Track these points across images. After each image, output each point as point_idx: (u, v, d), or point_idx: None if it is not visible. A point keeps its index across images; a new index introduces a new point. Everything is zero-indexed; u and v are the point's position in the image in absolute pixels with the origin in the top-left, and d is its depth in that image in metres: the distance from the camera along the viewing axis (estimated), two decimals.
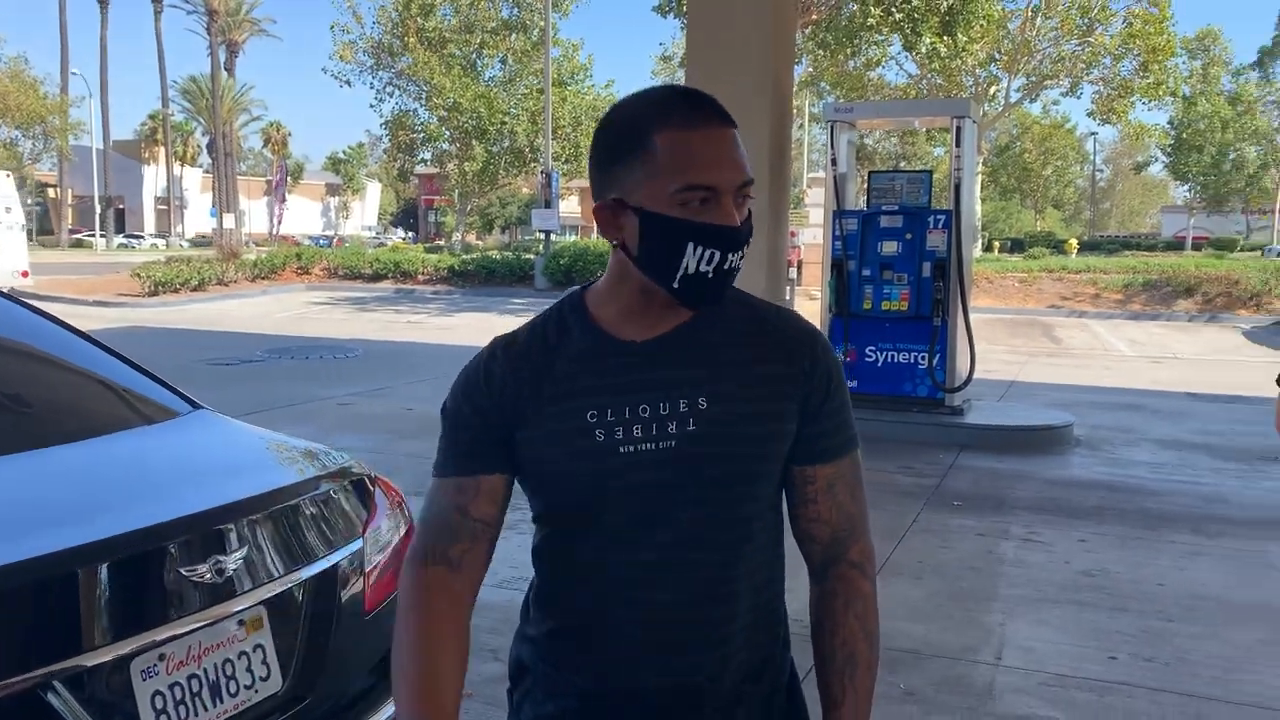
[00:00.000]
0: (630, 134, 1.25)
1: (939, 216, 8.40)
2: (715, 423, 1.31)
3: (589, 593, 1.33)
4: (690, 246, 1.24)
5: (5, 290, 2.94)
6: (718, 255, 1.24)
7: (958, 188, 8.36)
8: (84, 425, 2.35)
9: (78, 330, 2.72)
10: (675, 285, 1.26)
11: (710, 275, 1.25)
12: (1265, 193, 53.78)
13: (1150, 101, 29.69)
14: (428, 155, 38.64)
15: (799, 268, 18.66)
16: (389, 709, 2.25)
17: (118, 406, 2.59)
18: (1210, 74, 48.35)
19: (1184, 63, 41.16)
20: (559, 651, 1.37)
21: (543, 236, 26.11)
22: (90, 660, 1.67)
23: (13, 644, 1.61)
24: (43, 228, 63.38)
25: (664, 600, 1.31)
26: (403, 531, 2.47)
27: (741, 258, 1.27)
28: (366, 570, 2.29)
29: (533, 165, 33.60)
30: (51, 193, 64.35)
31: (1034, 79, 30.53)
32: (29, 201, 62.68)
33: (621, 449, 1.30)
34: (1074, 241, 45.66)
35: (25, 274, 20.22)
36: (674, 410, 1.30)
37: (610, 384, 1.32)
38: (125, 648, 1.72)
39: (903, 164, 45.18)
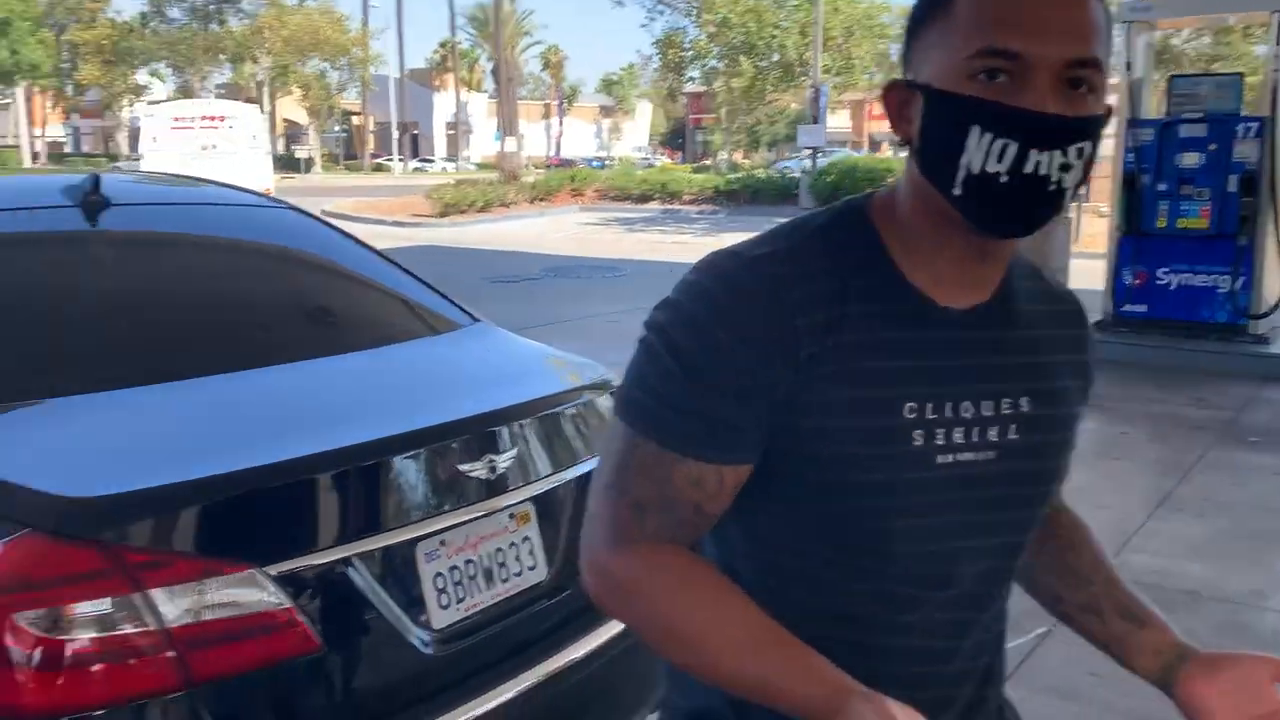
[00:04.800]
0: None
1: (1250, 124, 7.55)
2: (1036, 430, 1.02)
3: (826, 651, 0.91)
4: (975, 132, 0.88)
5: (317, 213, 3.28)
6: (1013, 149, 0.87)
7: (1275, 90, 7.46)
8: (377, 335, 2.61)
9: (374, 249, 3.01)
10: (956, 191, 0.90)
11: (1005, 180, 0.88)
12: None
13: None
14: (696, 73, 38.77)
15: (1087, 182, 17.36)
16: None
17: (407, 319, 2.86)
18: None
19: None
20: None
21: (808, 153, 25.64)
22: (383, 541, 1.89)
23: (322, 524, 1.85)
24: (348, 153, 69.15)
25: (922, 673, 1.02)
26: None
27: (1067, 167, 0.89)
28: None
29: (801, 80, 32.90)
30: (356, 120, 69.90)
31: None
32: (336, 129, 68.53)
33: (939, 458, 0.97)
34: None
35: (268, 191, 22.12)
36: (996, 412, 1.00)
37: (932, 367, 0.97)
38: (412, 532, 1.93)
39: (1216, 65, 40.63)
